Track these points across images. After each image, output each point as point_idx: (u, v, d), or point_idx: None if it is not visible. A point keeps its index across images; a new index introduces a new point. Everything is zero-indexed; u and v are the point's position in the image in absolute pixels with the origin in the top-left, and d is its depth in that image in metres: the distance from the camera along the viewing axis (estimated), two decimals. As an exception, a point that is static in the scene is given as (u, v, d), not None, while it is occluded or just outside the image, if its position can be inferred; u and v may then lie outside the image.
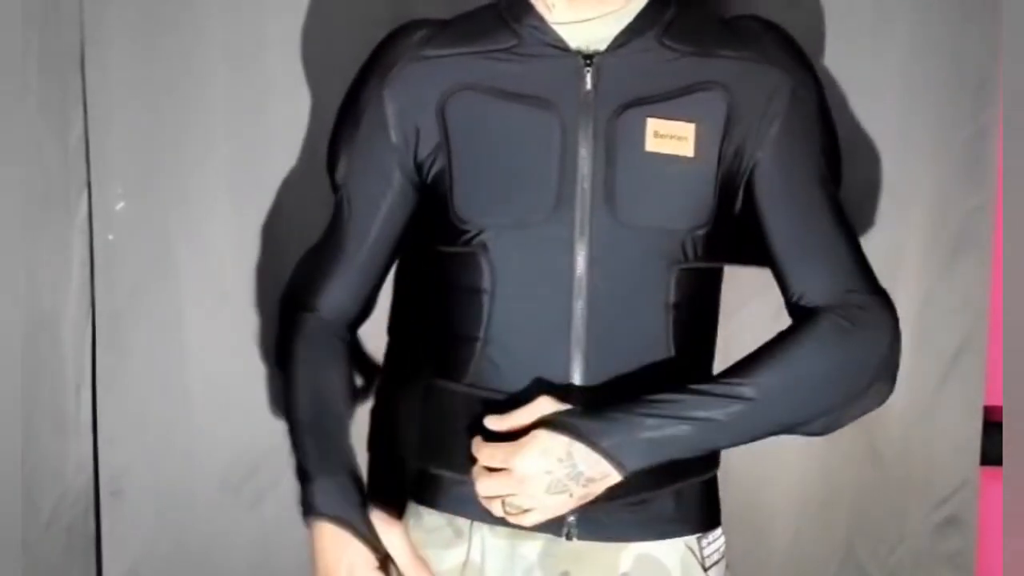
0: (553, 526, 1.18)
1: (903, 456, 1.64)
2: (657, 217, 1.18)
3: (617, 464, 1.11)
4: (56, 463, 1.57)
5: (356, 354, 1.47)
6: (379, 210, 1.28)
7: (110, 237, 1.54)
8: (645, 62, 1.20)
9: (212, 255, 1.56)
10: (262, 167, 1.55)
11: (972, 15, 1.55)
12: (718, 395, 1.14)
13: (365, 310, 1.36)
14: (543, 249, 1.19)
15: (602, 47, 1.20)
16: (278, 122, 1.55)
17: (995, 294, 1.60)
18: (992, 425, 1.63)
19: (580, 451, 1.11)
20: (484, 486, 1.15)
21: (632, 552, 1.21)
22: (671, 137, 1.18)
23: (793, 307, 1.23)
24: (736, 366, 1.18)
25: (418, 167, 1.24)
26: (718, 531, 1.28)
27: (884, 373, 1.20)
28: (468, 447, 1.19)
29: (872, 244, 1.59)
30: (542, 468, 1.11)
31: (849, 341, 1.18)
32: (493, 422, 1.16)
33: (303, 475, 1.25)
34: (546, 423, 1.13)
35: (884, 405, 1.60)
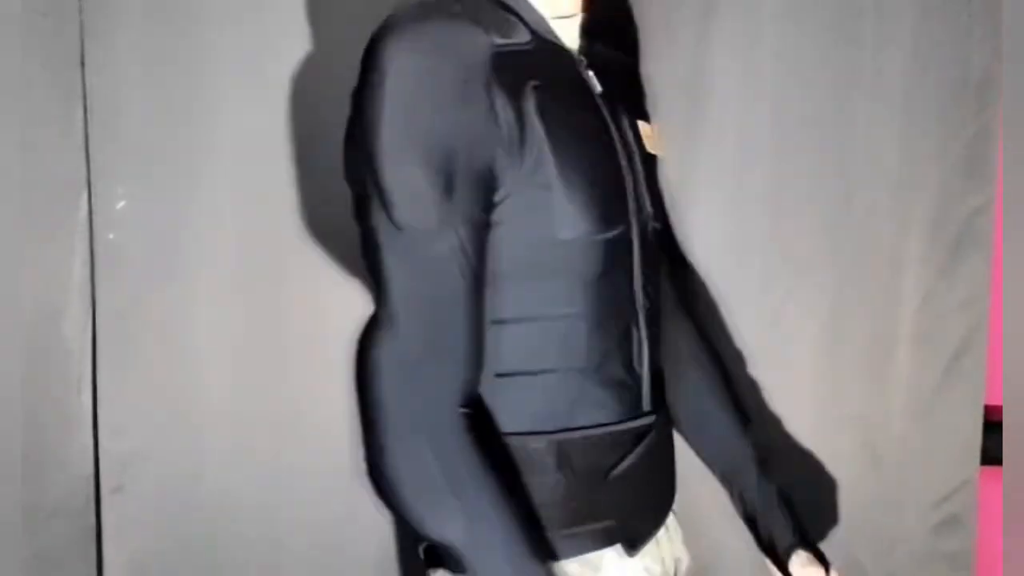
0: None
1: (903, 456, 1.65)
2: (658, 218, 1.14)
3: None
4: (58, 456, 1.57)
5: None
6: (486, 226, 0.99)
7: (111, 236, 1.55)
8: (608, 64, 1.13)
9: (213, 254, 1.56)
10: (263, 166, 1.55)
11: (973, 15, 1.55)
12: None
13: None
14: (616, 262, 1.05)
15: (575, 47, 1.10)
16: (279, 121, 1.55)
17: (995, 294, 1.60)
18: (992, 425, 1.63)
19: None
20: None
21: None
22: (650, 138, 1.16)
23: None
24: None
25: (519, 168, 1.00)
26: None
27: None
28: None
29: (874, 244, 1.61)
30: None
31: None
32: None
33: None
34: None
35: (884, 405, 1.64)
